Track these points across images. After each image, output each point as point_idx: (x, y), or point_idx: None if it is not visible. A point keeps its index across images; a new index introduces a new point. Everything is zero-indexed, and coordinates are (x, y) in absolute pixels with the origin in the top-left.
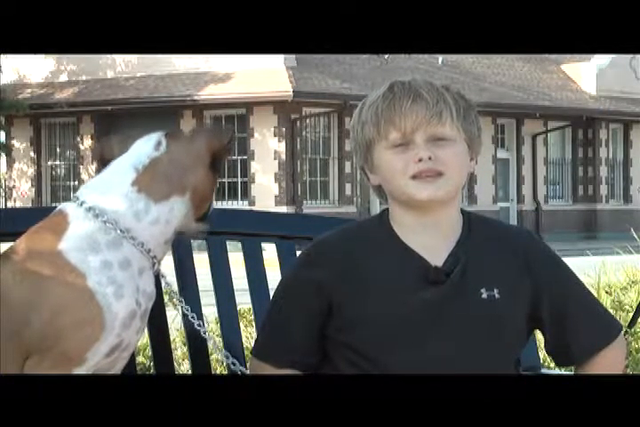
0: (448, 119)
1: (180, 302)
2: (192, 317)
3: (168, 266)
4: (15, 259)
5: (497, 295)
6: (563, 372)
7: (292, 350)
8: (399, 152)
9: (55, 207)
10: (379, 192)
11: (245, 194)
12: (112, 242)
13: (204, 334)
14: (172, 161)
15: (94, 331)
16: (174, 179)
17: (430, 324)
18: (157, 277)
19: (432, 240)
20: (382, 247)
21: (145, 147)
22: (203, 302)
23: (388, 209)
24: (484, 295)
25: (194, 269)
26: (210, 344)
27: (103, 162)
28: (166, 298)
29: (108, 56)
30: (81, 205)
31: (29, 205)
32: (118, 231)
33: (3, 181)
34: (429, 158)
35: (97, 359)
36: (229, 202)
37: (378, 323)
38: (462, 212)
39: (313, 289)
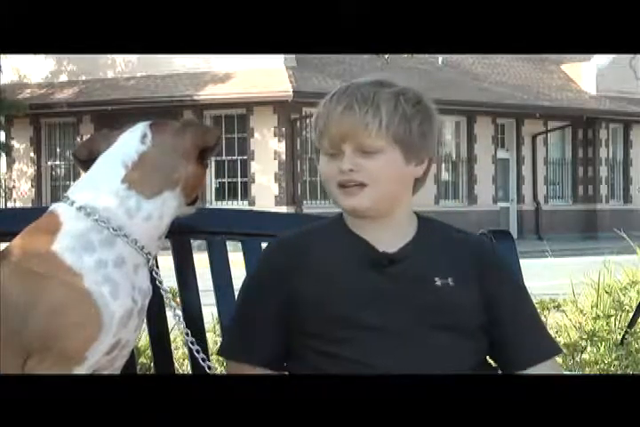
0: (374, 130)
1: (187, 334)
2: (197, 350)
3: (168, 266)
4: (11, 259)
5: (451, 283)
6: (562, 372)
7: (263, 346)
8: (330, 160)
9: None
10: None
11: (245, 194)
12: (105, 241)
13: (209, 370)
14: (161, 155)
15: (92, 331)
16: (164, 174)
17: (379, 308)
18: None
19: (385, 235)
20: (334, 237)
21: (131, 140)
22: (203, 302)
23: None
24: (438, 283)
25: (194, 269)
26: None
27: (83, 161)
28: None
29: (108, 56)
30: (72, 204)
31: (29, 205)
32: (111, 230)
33: (3, 182)
34: (350, 170)
35: (96, 358)
36: (229, 202)
37: (325, 305)
38: (417, 215)
39: (277, 276)
